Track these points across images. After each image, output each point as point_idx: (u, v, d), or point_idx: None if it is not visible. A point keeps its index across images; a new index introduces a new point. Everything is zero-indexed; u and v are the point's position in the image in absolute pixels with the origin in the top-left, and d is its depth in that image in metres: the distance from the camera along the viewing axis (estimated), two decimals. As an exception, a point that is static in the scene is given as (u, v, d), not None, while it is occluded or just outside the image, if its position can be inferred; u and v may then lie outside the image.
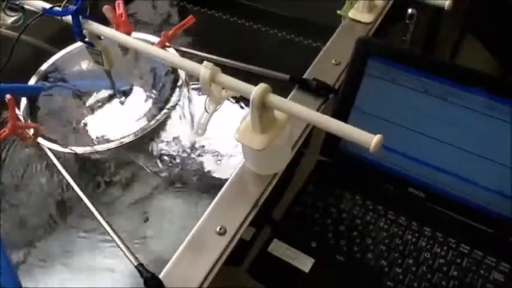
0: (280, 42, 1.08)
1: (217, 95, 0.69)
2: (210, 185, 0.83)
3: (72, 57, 1.03)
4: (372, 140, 0.55)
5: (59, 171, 0.80)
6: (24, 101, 0.96)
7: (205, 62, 0.66)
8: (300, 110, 0.61)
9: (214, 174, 0.85)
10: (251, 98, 0.62)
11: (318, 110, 0.81)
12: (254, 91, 0.62)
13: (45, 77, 1.00)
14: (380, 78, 0.75)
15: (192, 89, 0.97)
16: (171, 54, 0.76)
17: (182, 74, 0.97)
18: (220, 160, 0.86)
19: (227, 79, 0.66)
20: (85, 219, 0.79)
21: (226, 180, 0.74)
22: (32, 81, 0.99)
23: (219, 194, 0.71)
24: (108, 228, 0.70)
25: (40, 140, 0.86)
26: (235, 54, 0.92)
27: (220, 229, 0.67)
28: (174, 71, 0.98)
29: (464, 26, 1.18)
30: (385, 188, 0.78)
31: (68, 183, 0.78)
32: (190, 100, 0.95)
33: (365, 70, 0.76)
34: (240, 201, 0.70)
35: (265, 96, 0.62)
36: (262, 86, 0.62)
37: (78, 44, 1.02)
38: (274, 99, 0.62)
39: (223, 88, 0.69)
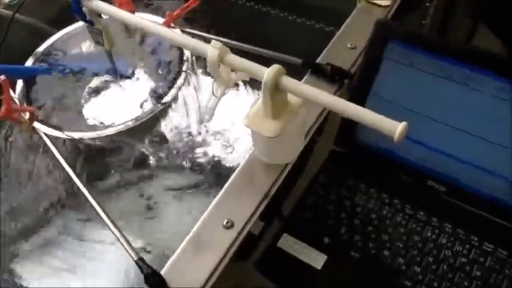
0: (291, 25, 1.02)
1: (225, 77, 0.64)
2: (217, 175, 0.78)
3: (71, 38, 0.98)
4: (396, 128, 0.50)
5: (55, 158, 0.75)
6: (20, 83, 0.91)
7: (213, 41, 0.61)
8: (317, 94, 0.56)
9: (222, 164, 0.80)
10: (263, 80, 0.57)
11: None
12: (267, 73, 0.57)
13: (42, 58, 0.95)
14: (399, 63, 0.70)
15: (199, 72, 0.92)
16: (177, 33, 0.70)
17: (188, 56, 0.92)
18: (228, 148, 0.82)
19: (237, 59, 0.60)
20: (82, 209, 0.74)
21: (234, 170, 0.69)
22: (29, 63, 0.94)
23: (226, 184, 0.66)
24: (106, 220, 0.66)
25: (36, 124, 0.81)
26: (244, 38, 0.87)
27: (227, 222, 0.62)
28: (179, 53, 0.92)
29: (475, 13, 1.14)
30: (403, 180, 0.73)
31: (64, 170, 0.73)
32: (196, 84, 0.90)
33: (384, 54, 0.71)
34: (248, 193, 0.66)
35: (278, 78, 0.57)
36: (275, 67, 0.57)
37: (78, 24, 0.97)
38: (289, 81, 0.57)
39: (232, 70, 0.64)
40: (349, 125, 0.74)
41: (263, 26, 1.06)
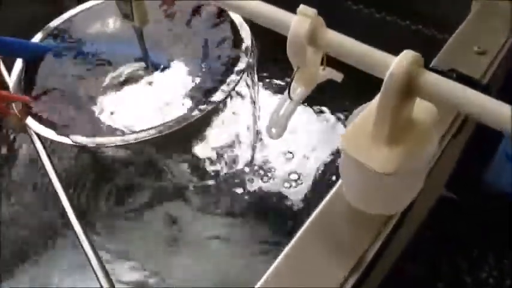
0: (399, 31, 0.84)
1: (313, 69, 0.40)
2: (272, 220, 0.54)
3: (94, 13, 0.76)
4: None
5: (45, 170, 0.52)
6: (19, 64, 0.68)
7: (302, 6, 0.37)
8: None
9: (282, 203, 0.56)
10: (388, 74, 0.33)
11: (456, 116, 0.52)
12: (396, 62, 0.33)
13: (54, 35, 0.73)
14: None
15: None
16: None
17: (247, 41, 0.67)
18: (293, 182, 0.57)
19: (339, 38, 0.36)
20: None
21: (299, 214, 0.45)
22: (36, 39, 0.72)
23: (291, 243, 0.42)
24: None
25: (30, 121, 0.59)
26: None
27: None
28: (235, 39, 0.68)
29: None
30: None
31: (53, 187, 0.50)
32: (255, 83, 0.66)
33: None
34: (328, 258, 0.41)
35: (415, 74, 0.33)
36: (410, 54, 0.33)
37: (102, -2, 0.75)
38: (432, 78, 0.33)
39: (322, 61, 0.41)
40: (474, 161, 0.52)
41: (374, 32, 0.86)
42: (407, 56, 0.33)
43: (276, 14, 0.39)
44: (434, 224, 0.54)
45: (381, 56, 0.35)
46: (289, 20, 0.38)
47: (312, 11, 0.37)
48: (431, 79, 0.33)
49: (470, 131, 0.55)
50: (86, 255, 0.46)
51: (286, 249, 0.42)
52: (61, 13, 0.76)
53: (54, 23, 0.74)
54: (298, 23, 0.37)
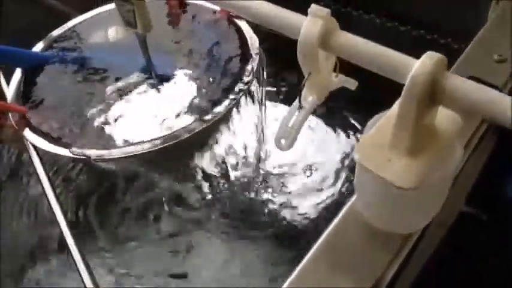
0: (412, 41, 0.82)
1: (325, 75, 0.37)
2: (281, 236, 0.51)
3: (96, 23, 0.74)
4: None
5: (41, 185, 0.49)
6: (18, 73, 0.66)
7: (314, 5, 0.34)
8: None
9: (290, 218, 0.53)
10: (410, 77, 0.30)
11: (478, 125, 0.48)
12: (418, 65, 0.30)
13: (56, 45, 0.71)
14: None
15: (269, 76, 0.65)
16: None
17: (254, 50, 0.64)
18: (302, 195, 0.54)
19: (355, 40, 0.33)
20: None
21: (308, 231, 0.43)
22: (37, 49, 0.70)
23: (300, 264, 0.39)
24: None
25: (27, 133, 0.56)
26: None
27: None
28: (242, 48, 0.65)
29: None
30: None
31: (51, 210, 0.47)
32: (263, 93, 0.63)
33: None
34: (342, 281, 0.38)
35: (439, 76, 0.30)
36: (432, 55, 0.30)
37: (107, 7, 0.72)
38: (459, 82, 0.30)
39: (335, 67, 0.38)
40: (496, 175, 0.48)
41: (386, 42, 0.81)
42: (431, 57, 0.30)
43: (285, 16, 0.37)
44: (454, 241, 0.50)
45: (402, 59, 0.32)
46: (299, 22, 0.35)
47: (325, 11, 0.34)
48: (459, 83, 0.30)
49: (492, 143, 0.52)
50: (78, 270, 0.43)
51: (296, 271, 0.39)
52: (64, 22, 0.73)
53: (56, 32, 0.72)
54: (309, 24, 0.34)
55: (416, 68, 0.30)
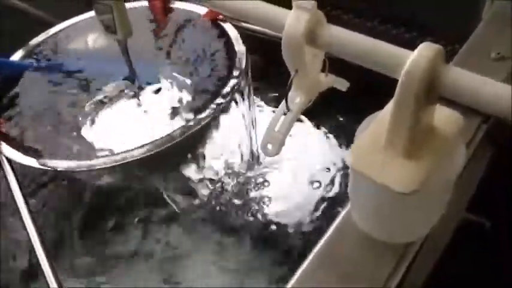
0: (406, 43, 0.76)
1: (313, 74, 0.34)
2: (271, 244, 0.49)
3: (77, 30, 0.71)
4: None
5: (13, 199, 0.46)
6: (-5, 82, 0.64)
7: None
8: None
9: (282, 225, 0.50)
10: (405, 71, 0.27)
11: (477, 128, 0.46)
12: (413, 57, 0.27)
13: (36, 53, 0.68)
14: None
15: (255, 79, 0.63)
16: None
17: (240, 55, 0.62)
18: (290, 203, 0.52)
19: (344, 34, 0.31)
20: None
21: (304, 240, 0.47)
22: (16, 57, 0.68)
23: (296, 275, 0.36)
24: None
25: (2, 144, 0.54)
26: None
27: None
28: (227, 52, 0.63)
29: None
30: None
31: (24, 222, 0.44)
32: (250, 97, 0.60)
33: None
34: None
35: (437, 69, 0.27)
36: (429, 46, 0.27)
37: (88, 14, 0.70)
38: (459, 73, 0.27)
39: (324, 67, 0.36)
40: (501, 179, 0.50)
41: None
42: (428, 48, 0.27)
43: (268, 9, 0.34)
44: (457, 250, 0.48)
45: (397, 51, 0.29)
46: (283, 15, 0.32)
47: (310, 4, 0.31)
48: (459, 75, 0.27)
49: (496, 144, 0.49)
50: None
51: (289, 284, 0.36)
52: (43, 30, 0.71)
53: (36, 40, 0.70)
54: (294, 18, 0.31)
55: (411, 60, 0.27)
